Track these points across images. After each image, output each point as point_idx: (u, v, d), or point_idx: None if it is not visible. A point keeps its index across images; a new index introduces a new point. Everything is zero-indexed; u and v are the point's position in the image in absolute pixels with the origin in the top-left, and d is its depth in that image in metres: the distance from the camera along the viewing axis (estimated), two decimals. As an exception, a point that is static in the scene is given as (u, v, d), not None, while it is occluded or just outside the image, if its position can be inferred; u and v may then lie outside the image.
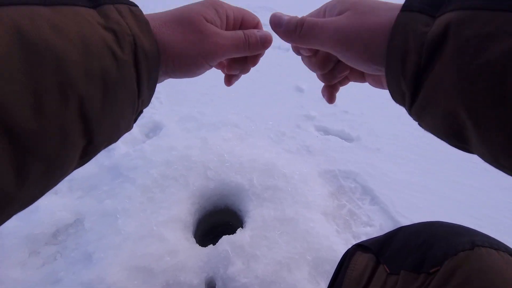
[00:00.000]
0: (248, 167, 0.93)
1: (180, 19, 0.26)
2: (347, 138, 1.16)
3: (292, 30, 0.27)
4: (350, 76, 0.36)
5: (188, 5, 0.28)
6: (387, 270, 0.36)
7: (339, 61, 0.32)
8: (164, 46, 0.25)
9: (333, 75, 0.34)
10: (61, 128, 0.19)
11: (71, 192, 0.85)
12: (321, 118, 1.24)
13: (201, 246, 0.77)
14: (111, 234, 0.70)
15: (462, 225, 0.36)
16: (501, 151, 0.19)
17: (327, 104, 1.38)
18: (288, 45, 1.44)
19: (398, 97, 0.25)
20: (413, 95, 0.23)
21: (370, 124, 1.24)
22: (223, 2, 0.30)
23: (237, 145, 1.03)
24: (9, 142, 0.16)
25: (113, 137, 0.25)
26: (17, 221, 0.75)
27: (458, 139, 0.23)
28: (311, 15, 0.31)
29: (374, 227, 0.84)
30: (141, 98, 0.25)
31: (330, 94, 0.37)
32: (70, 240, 0.75)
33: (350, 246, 0.45)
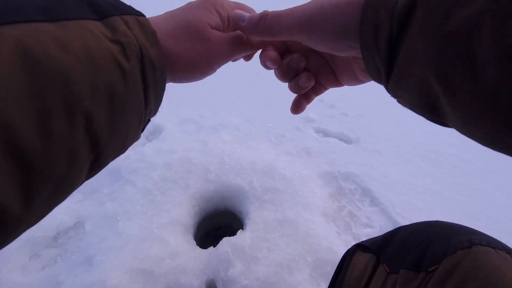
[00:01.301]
0: (248, 169, 0.94)
1: (186, 28, 0.26)
2: (346, 140, 1.17)
3: (256, 23, 0.27)
4: (324, 83, 0.36)
5: (192, 8, 0.27)
6: (387, 269, 0.36)
7: (304, 70, 0.33)
8: (171, 55, 0.25)
9: (297, 85, 0.34)
10: (69, 147, 0.18)
11: (72, 195, 0.84)
12: (321, 120, 1.25)
13: (202, 248, 0.77)
14: (112, 236, 0.70)
15: (460, 224, 0.37)
16: (473, 120, 0.19)
17: (326, 107, 1.39)
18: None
19: (375, 74, 0.25)
20: (388, 69, 0.23)
21: (369, 126, 1.24)
22: (223, 1, 0.30)
23: (237, 148, 1.04)
24: (17, 164, 0.16)
25: (121, 150, 0.24)
26: (18, 225, 0.75)
27: (433, 112, 0.22)
28: None
29: (374, 228, 0.84)
30: (148, 108, 0.25)
31: (296, 103, 0.37)
32: (70, 243, 0.75)
33: (350, 247, 0.45)
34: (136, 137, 0.26)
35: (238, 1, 0.31)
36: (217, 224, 0.98)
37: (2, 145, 0.15)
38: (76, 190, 0.21)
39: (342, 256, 0.44)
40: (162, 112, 1.19)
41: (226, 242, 0.73)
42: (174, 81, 0.28)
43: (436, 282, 0.29)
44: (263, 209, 0.84)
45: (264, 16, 0.27)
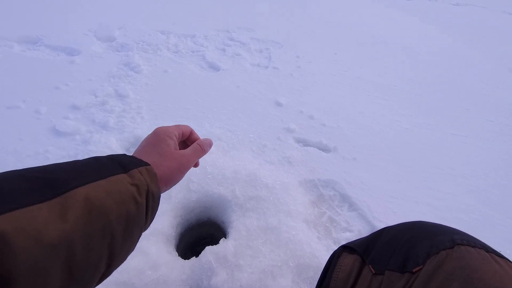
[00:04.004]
0: (230, 178, 0.95)
1: (162, 155, 0.39)
2: (325, 149, 1.22)
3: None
4: None
5: (156, 143, 0.40)
6: (372, 270, 0.37)
7: None
8: (161, 178, 0.37)
9: None
10: (97, 260, 0.28)
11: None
12: (300, 131, 1.30)
13: (184, 259, 0.76)
14: (89, 250, 0.68)
15: (442, 224, 0.38)
16: None
17: (306, 118, 1.45)
18: (267, 63, 1.54)
19: None
20: None
21: (346, 136, 1.31)
22: (168, 129, 0.42)
23: (219, 158, 1.05)
24: (68, 273, 0.24)
25: (124, 259, 0.33)
26: None
27: None
28: None
29: (353, 232, 0.87)
30: (145, 226, 0.35)
31: None
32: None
33: (331, 251, 0.45)
34: (134, 247, 0.35)
35: (176, 124, 0.45)
36: (200, 235, 0.97)
37: (63, 258, 0.24)
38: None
39: (329, 258, 0.45)
40: (144, 124, 1.19)
41: (208, 251, 0.73)
42: (163, 191, 0.39)
43: (420, 282, 0.30)
44: (246, 217, 0.85)
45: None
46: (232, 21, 2.48)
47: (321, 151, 1.20)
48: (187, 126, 0.45)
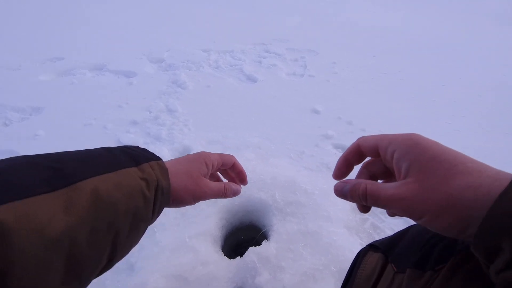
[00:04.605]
0: (270, 184, 0.99)
1: (184, 173, 0.37)
2: (366, 155, 1.20)
3: (358, 201, 0.29)
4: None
5: (191, 160, 0.39)
6: (394, 268, 0.35)
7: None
8: (173, 189, 0.36)
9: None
10: (101, 253, 0.27)
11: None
12: (339, 137, 1.29)
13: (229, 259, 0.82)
14: (150, 245, 0.78)
15: None
16: None
17: (344, 124, 1.44)
18: (302, 71, 1.58)
19: (481, 249, 0.22)
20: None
21: (389, 140, 1.26)
22: (210, 155, 0.41)
23: (258, 164, 1.11)
24: (69, 267, 0.24)
25: (126, 254, 0.33)
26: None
27: None
28: (374, 142, 0.30)
29: (398, 240, 0.84)
30: (152, 220, 0.34)
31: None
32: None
33: (362, 247, 0.44)
34: (136, 244, 0.34)
35: (222, 153, 0.44)
36: (242, 238, 1.02)
37: (64, 253, 0.23)
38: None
39: (355, 257, 0.44)
40: (191, 135, 1.31)
41: (251, 252, 0.78)
42: (168, 206, 0.38)
43: (442, 279, 0.28)
44: (286, 222, 0.88)
45: (363, 196, 0.27)
46: (267, 34, 2.58)
47: (361, 156, 1.18)
48: (231, 156, 0.45)
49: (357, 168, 0.34)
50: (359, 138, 0.33)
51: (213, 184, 0.40)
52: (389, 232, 0.87)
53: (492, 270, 0.22)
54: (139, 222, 0.31)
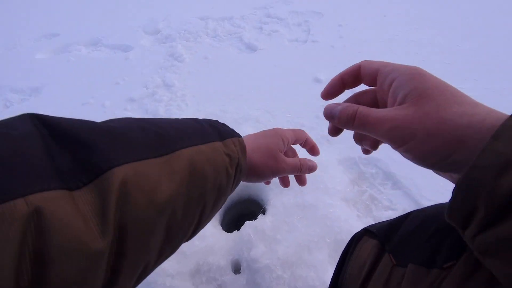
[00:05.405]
0: (268, 158, 0.98)
1: (264, 149, 0.38)
2: (369, 125, 1.15)
3: (345, 123, 0.27)
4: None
5: (269, 136, 0.40)
6: (393, 261, 0.32)
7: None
8: (251, 164, 0.37)
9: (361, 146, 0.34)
10: (190, 224, 0.28)
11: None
12: (341, 107, 1.24)
13: (228, 233, 0.84)
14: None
15: None
16: None
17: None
18: (305, 37, 1.47)
19: (457, 211, 0.20)
20: (493, 217, 0.18)
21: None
22: (285, 131, 0.41)
23: (257, 139, 1.09)
24: (167, 234, 0.25)
25: (202, 228, 0.33)
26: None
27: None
28: (377, 67, 0.27)
29: (396, 211, 0.83)
30: (228, 194, 0.35)
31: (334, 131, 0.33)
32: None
33: (357, 232, 0.41)
34: (213, 216, 0.36)
35: (293, 128, 0.44)
36: (242, 211, 1.05)
37: (166, 218, 0.24)
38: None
39: (349, 241, 0.41)
40: (188, 110, 1.28)
41: (248, 226, 0.79)
42: (245, 179, 0.39)
43: (453, 283, 0.24)
44: (282, 195, 0.88)
45: (352, 117, 0.26)
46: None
47: (363, 127, 1.14)
48: (302, 131, 0.44)
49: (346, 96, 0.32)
50: (362, 61, 0.30)
51: (290, 160, 0.40)
52: (386, 204, 0.86)
53: (467, 237, 0.20)
54: (221, 196, 0.32)
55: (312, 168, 0.44)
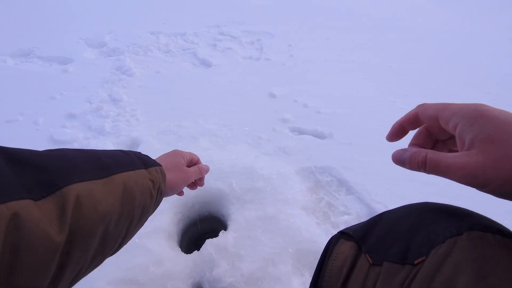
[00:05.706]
0: (227, 172, 0.96)
1: (174, 167, 0.49)
2: (321, 136, 1.22)
3: (417, 169, 0.29)
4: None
5: (172, 156, 0.51)
6: (370, 260, 0.32)
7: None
8: (168, 179, 0.45)
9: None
10: (118, 236, 0.34)
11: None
12: (295, 120, 1.30)
13: (188, 254, 0.78)
14: (94, 251, 0.70)
15: (450, 205, 0.32)
16: None
17: (300, 107, 1.45)
18: (258, 55, 1.53)
19: None
20: None
21: (342, 121, 1.31)
22: (183, 152, 0.53)
23: (215, 153, 1.07)
24: (102, 242, 0.31)
25: (126, 243, 0.38)
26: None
27: None
28: (435, 112, 0.29)
29: (351, 215, 0.88)
30: (149, 215, 0.42)
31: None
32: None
33: (330, 236, 0.41)
34: (136, 233, 0.42)
35: (191, 151, 0.56)
36: (203, 230, 0.99)
37: (103, 228, 0.30)
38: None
39: (326, 245, 0.41)
40: (139, 126, 1.20)
41: (209, 244, 0.75)
42: (165, 195, 0.46)
43: (423, 277, 0.25)
44: (244, 209, 0.86)
45: (423, 164, 0.28)
46: (222, 16, 2.46)
47: (316, 138, 1.20)
48: (197, 155, 0.58)
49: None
50: (418, 106, 0.32)
51: (192, 168, 0.53)
52: (342, 209, 0.91)
53: None
54: (144, 216, 0.38)
55: (207, 169, 0.58)
